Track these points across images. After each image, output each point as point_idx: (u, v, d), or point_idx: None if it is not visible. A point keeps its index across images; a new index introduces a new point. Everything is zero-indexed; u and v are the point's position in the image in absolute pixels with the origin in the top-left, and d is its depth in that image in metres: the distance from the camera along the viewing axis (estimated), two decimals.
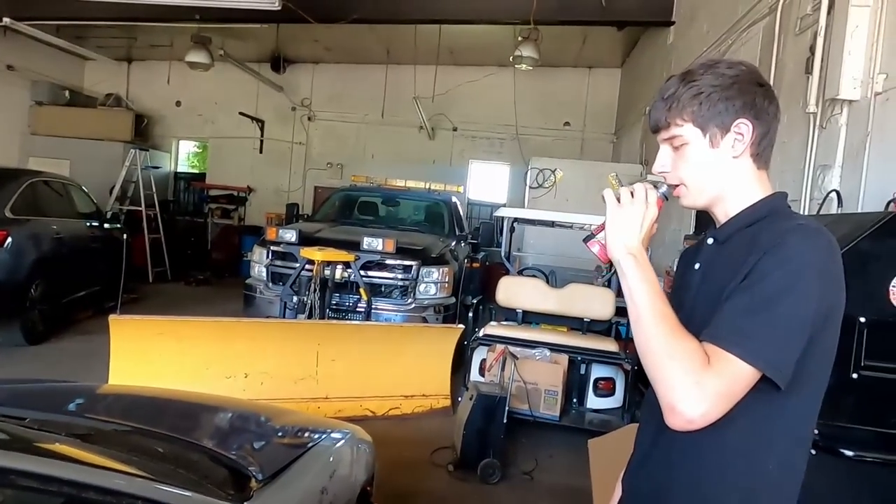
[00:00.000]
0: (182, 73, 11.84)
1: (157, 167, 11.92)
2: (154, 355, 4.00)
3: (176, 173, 13.73)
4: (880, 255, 1.62)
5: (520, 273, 5.65)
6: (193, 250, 11.64)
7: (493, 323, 4.69)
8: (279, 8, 6.74)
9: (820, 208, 3.43)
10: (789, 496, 1.04)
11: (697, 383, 0.92)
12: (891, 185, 3.06)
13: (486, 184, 12.91)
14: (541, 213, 5.55)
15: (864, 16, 3.33)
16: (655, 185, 1.11)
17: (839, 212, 3.34)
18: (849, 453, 1.62)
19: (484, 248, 7.31)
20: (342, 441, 2.22)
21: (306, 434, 2.24)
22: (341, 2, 8.11)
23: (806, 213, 3.66)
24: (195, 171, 14.31)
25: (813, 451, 1.68)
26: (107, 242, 7.62)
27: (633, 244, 1.05)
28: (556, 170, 8.95)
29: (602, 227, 1.11)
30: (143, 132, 12.45)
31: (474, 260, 7.01)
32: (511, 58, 8.67)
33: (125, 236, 7.52)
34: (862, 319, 1.62)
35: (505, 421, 3.61)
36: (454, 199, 7.75)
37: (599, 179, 8.72)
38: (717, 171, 1.09)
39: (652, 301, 1.00)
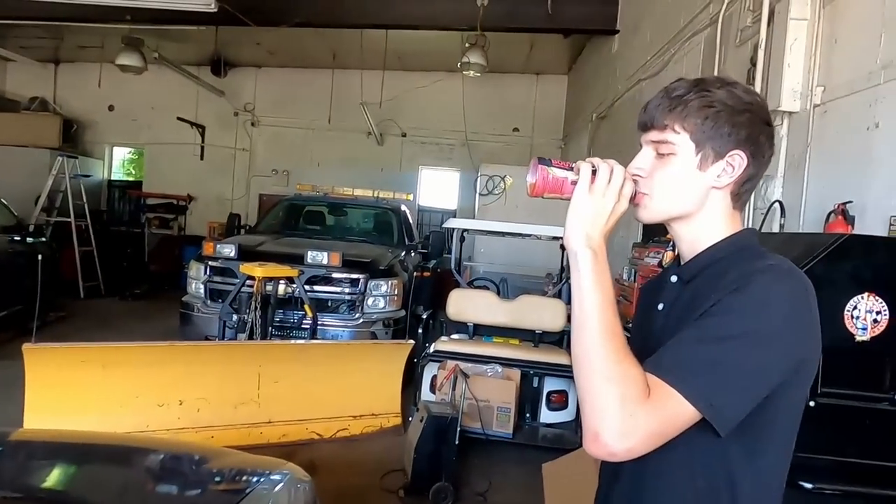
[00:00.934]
0: (114, 76, 11.22)
1: (88, 175, 11.25)
2: (76, 386, 3.67)
3: (110, 181, 13.04)
4: (834, 279, 1.58)
5: (471, 284, 5.55)
6: (129, 263, 11.03)
7: (443, 338, 4.56)
8: (215, 10, 6.43)
9: (764, 219, 3.46)
10: None
11: (632, 415, 0.82)
12: (830, 196, 3.11)
13: (436, 190, 12.81)
14: (491, 223, 5.47)
15: (801, 29, 3.38)
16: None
17: (782, 222, 3.38)
18: (808, 486, 1.57)
19: (435, 256, 7.20)
20: (281, 484, 2.04)
21: (243, 478, 2.06)
22: (282, 5, 7.84)
23: (750, 223, 3.69)
24: (131, 179, 13.63)
25: None
26: (30, 258, 7.09)
27: (595, 236, 0.92)
28: (505, 176, 8.93)
29: (566, 167, 0.97)
30: (73, 138, 11.76)
31: (425, 269, 6.88)
32: (459, 64, 8.60)
33: (42, 250, 6.97)
34: None
35: (457, 442, 3.48)
36: (403, 207, 7.60)
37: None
38: (693, 194, 0.99)
39: (602, 311, 0.88)
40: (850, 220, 2.93)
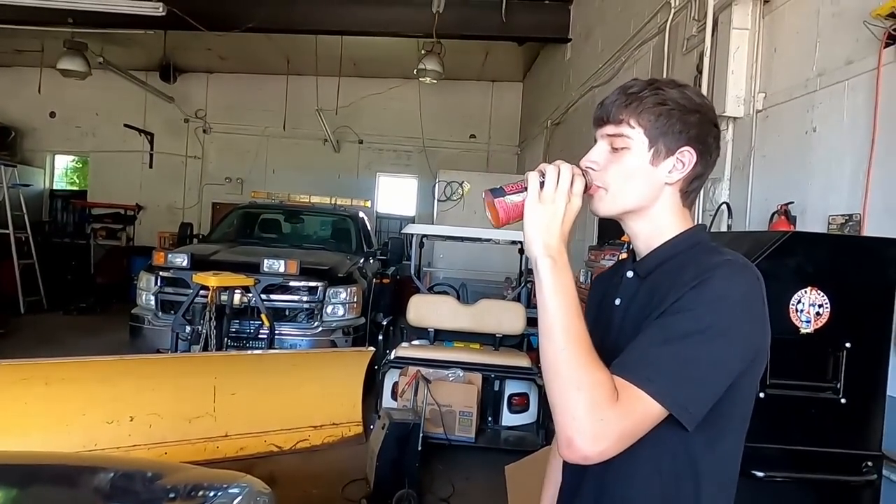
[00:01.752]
0: (56, 81, 10.77)
1: (28, 185, 10.74)
2: (17, 405, 3.48)
3: (52, 191, 12.48)
4: (779, 274, 1.65)
5: (430, 289, 5.54)
6: (74, 275, 10.56)
7: (404, 344, 4.54)
8: (164, 14, 6.25)
9: (712, 220, 3.58)
10: None
11: (601, 420, 0.83)
12: (773, 197, 3.25)
13: (394, 197, 12.77)
14: (449, 229, 5.48)
15: (743, 38, 3.53)
16: (584, 172, 1.00)
17: (730, 223, 3.50)
18: (759, 474, 1.62)
19: (394, 263, 7.16)
20: (239, 497, 1.98)
21: (195, 492, 1.99)
22: (234, 9, 7.70)
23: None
24: (75, 188, 13.08)
25: None
26: None
27: (553, 243, 0.92)
28: (463, 182, 9.00)
29: (520, 188, 0.96)
30: (10, 146, 11.24)
31: (384, 276, 6.84)
32: (415, 70, 8.62)
33: (14, 251, 6.62)
34: None
35: (420, 448, 3.46)
36: (361, 213, 7.54)
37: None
38: (646, 188, 1.01)
39: (566, 316, 0.88)
40: (791, 219, 3.07)
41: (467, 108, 12.06)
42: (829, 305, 1.63)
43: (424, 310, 4.55)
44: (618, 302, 1.06)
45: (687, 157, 1.00)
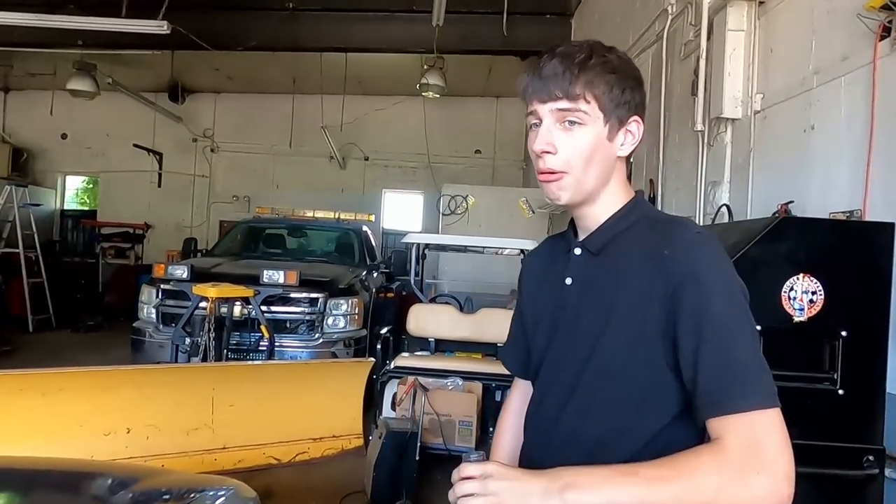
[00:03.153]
0: (67, 103, 11.00)
1: (39, 204, 10.87)
2: (14, 415, 3.47)
3: (62, 211, 12.64)
4: (770, 261, 1.60)
5: (433, 301, 5.50)
6: (83, 294, 10.63)
7: (404, 354, 4.48)
8: (168, 32, 6.36)
9: (713, 221, 3.53)
10: None
11: (759, 471, 0.78)
12: (773, 198, 3.19)
13: (400, 213, 12.79)
14: (449, 237, 5.46)
15: (739, 40, 3.52)
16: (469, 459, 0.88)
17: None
18: None
19: (398, 276, 7.13)
20: (223, 499, 1.95)
21: (183, 495, 1.96)
22: (239, 28, 7.83)
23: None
24: (85, 208, 13.24)
25: None
26: None
27: (550, 490, 0.80)
28: (467, 196, 8.99)
29: None
30: (23, 167, 11.42)
31: (388, 290, 6.80)
32: (418, 86, 8.69)
33: (24, 270, 6.68)
34: (758, 327, 1.58)
35: (417, 458, 3.39)
36: (365, 227, 7.54)
37: (510, 204, 8.86)
38: (604, 166, 0.96)
39: (635, 488, 0.79)
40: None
41: (472, 124, 12.11)
42: (822, 292, 1.57)
43: (424, 319, 4.51)
44: (569, 281, 1.00)
45: (635, 127, 0.97)
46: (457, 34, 7.79)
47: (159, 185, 12.30)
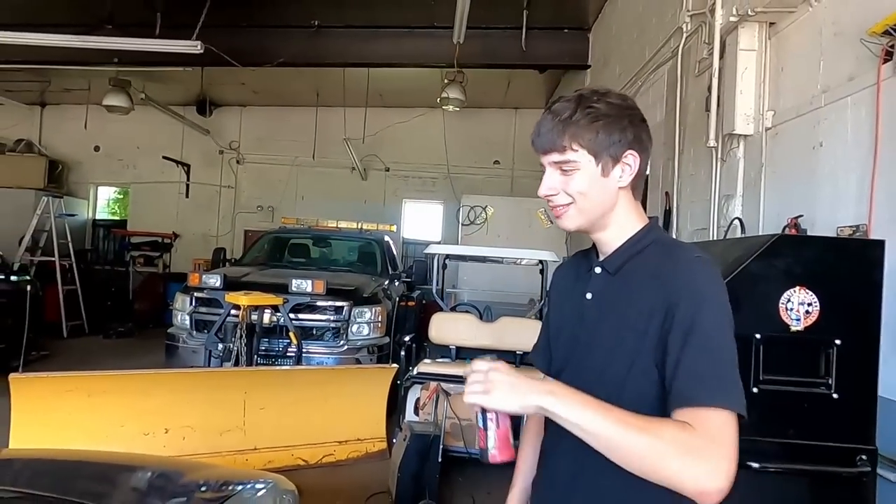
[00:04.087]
0: (100, 117, 11.43)
1: (73, 215, 11.29)
2: (62, 415, 3.70)
3: (94, 221, 13.07)
4: (769, 275, 1.74)
5: (453, 309, 5.66)
6: (114, 301, 10.99)
7: (426, 361, 4.65)
8: (202, 52, 6.65)
9: (725, 235, 3.65)
10: None
11: (708, 459, 0.90)
12: (784, 212, 3.31)
13: (420, 223, 13.00)
14: (469, 248, 5.62)
15: (751, 59, 3.64)
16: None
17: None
18: (755, 465, 1.69)
19: (419, 286, 7.31)
20: (263, 491, 2.12)
21: (226, 487, 2.13)
22: (266, 46, 8.12)
23: (715, 238, 3.89)
24: (116, 218, 13.67)
25: None
26: (14, 297, 7.11)
27: (534, 391, 0.97)
28: (486, 206, 9.17)
29: (483, 433, 1.08)
30: (58, 179, 11.85)
31: (410, 299, 6.98)
32: (438, 99, 8.90)
33: (29, 288, 7.00)
34: (758, 336, 1.72)
35: (440, 460, 3.55)
36: (387, 237, 7.75)
37: (528, 215, 9.02)
38: (604, 198, 1.11)
39: (604, 421, 0.93)
40: (802, 232, 3.13)
41: (491, 135, 12.29)
42: (818, 304, 1.70)
43: (446, 327, 4.67)
44: (589, 296, 1.15)
45: (631, 160, 1.11)
46: (476, 49, 7.98)
47: (187, 196, 12.67)
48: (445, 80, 8.74)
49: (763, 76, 3.61)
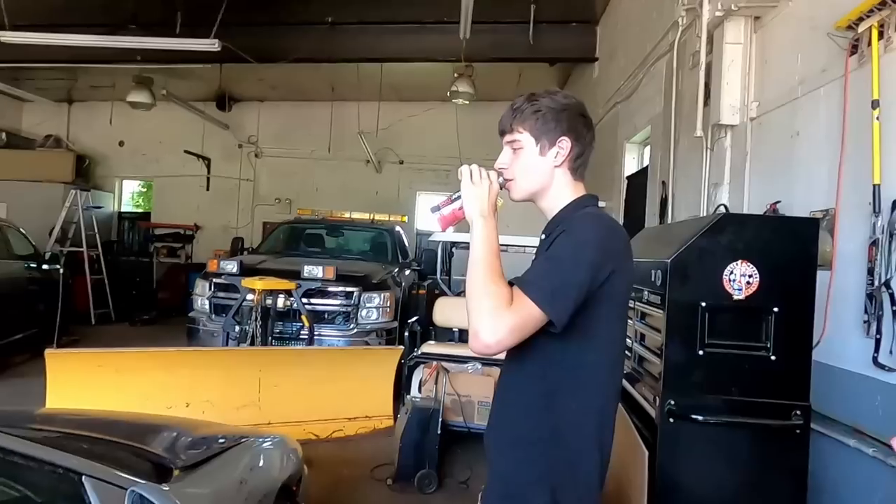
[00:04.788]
0: (124, 113, 11.85)
1: (100, 207, 11.75)
2: (92, 389, 4.02)
3: (120, 213, 13.54)
4: (714, 250, 1.93)
5: (459, 295, 5.88)
6: (139, 290, 11.42)
7: (430, 342, 4.89)
8: (219, 49, 6.95)
9: None
10: (591, 435, 1.29)
11: (499, 317, 1.17)
12: (766, 197, 3.48)
13: (433, 215, 13.21)
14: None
15: (737, 52, 3.80)
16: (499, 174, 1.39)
17: (751, 213, 3.72)
18: (699, 418, 1.90)
19: (429, 275, 7.54)
20: (266, 443, 2.39)
21: (231, 438, 2.40)
22: (282, 42, 8.40)
23: None
24: (140, 210, 14.14)
25: (671, 420, 1.97)
26: (45, 284, 7.52)
27: (483, 209, 1.31)
28: (497, 198, 9.35)
29: (449, 201, 1.39)
30: (85, 173, 12.31)
31: (420, 287, 7.22)
32: (448, 93, 9.09)
33: (62, 271, 7.40)
34: (703, 304, 1.92)
35: (439, 432, 3.79)
36: (398, 228, 8.00)
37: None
38: (541, 173, 1.38)
39: (486, 254, 1.25)
40: None
41: None
42: (758, 276, 1.89)
43: (449, 311, 4.91)
44: (534, 257, 1.41)
45: (565, 144, 1.37)
46: (485, 43, 8.16)
47: (207, 189, 13.07)
48: (455, 75, 8.94)
49: (748, 68, 3.76)
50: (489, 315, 1.17)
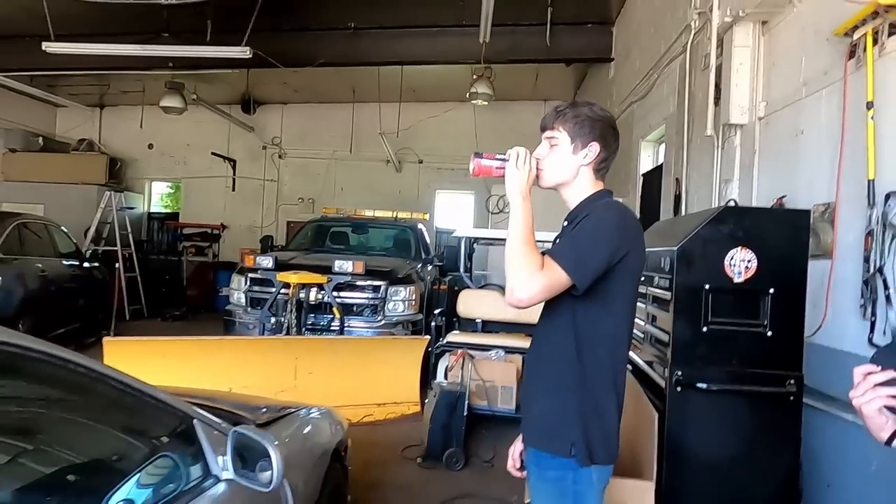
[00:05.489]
0: (154, 117, 12.31)
1: (132, 208, 12.22)
2: (143, 373, 4.29)
3: (149, 213, 14.02)
4: (716, 238, 2.18)
5: (481, 288, 6.16)
6: (168, 288, 11.87)
7: (455, 332, 5.17)
8: (250, 57, 7.29)
9: None
10: (609, 380, 1.56)
11: (531, 276, 1.44)
12: (774, 193, 3.70)
13: (452, 212, 13.51)
14: (494, 231, 6.11)
15: (745, 55, 4.02)
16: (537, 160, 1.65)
17: (750, 206, 3.94)
18: (703, 386, 2.14)
19: (451, 271, 7.81)
20: (315, 413, 2.70)
21: (292, 408, 2.71)
22: (307, 48, 8.73)
23: None
24: (168, 210, 14.61)
25: (678, 388, 2.22)
26: (86, 281, 7.94)
27: (523, 190, 1.57)
28: None
29: (492, 157, 1.64)
30: (116, 175, 12.78)
31: (441, 282, 7.50)
32: (468, 94, 9.36)
33: (99, 274, 7.81)
34: (707, 287, 2.16)
35: (465, 413, 4.07)
36: (420, 225, 8.29)
37: (556, 202, 9.41)
38: (569, 168, 1.65)
39: (524, 228, 1.51)
40: None
41: (520, 126, 12.59)
42: (756, 261, 2.13)
43: (472, 303, 5.19)
44: (558, 241, 1.68)
45: (594, 148, 1.63)
46: (503, 45, 8.40)
47: (233, 189, 13.49)
48: (474, 76, 9.19)
49: (756, 70, 3.97)
50: (526, 276, 1.44)
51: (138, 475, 1.40)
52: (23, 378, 1.37)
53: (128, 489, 1.37)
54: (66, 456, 1.45)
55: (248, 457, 1.57)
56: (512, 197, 1.57)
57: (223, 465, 1.54)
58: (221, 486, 1.55)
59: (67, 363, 1.34)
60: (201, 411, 1.69)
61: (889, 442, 0.99)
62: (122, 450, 1.56)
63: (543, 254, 1.50)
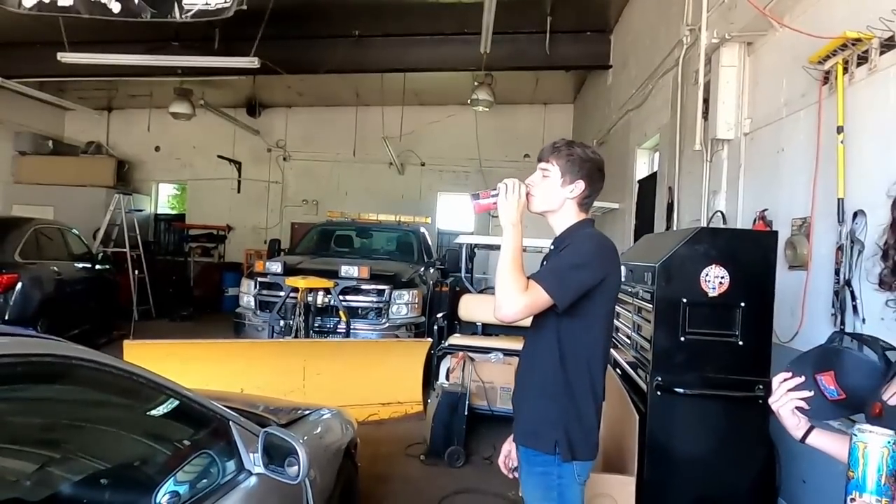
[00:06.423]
0: (161, 120, 12.55)
1: (141, 210, 12.46)
2: (163, 374, 4.59)
3: (156, 215, 14.26)
4: (693, 256, 2.40)
5: (481, 292, 6.39)
6: (175, 288, 12.08)
7: (456, 335, 5.40)
8: (259, 66, 7.51)
9: (709, 224, 4.26)
10: (588, 387, 1.79)
11: (516, 296, 1.66)
12: (757, 206, 3.92)
13: (454, 214, 13.73)
14: (494, 238, 6.33)
15: (732, 74, 4.23)
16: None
17: (724, 227, 4.18)
18: (680, 391, 2.37)
19: (452, 273, 8.04)
20: (331, 413, 2.94)
21: (305, 409, 2.94)
22: (313, 55, 8.95)
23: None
24: (175, 212, 14.85)
25: (658, 392, 2.45)
26: (97, 283, 8.17)
27: (513, 219, 1.76)
28: None
29: (488, 194, 1.83)
30: (124, 177, 13.02)
31: (443, 285, 7.73)
32: (469, 100, 9.58)
33: (110, 276, 8.03)
34: (684, 300, 2.39)
35: (466, 413, 4.30)
36: (422, 229, 8.51)
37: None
38: (557, 199, 1.86)
39: (513, 252, 1.71)
40: (768, 223, 3.74)
41: (521, 130, 12.89)
42: (728, 277, 2.36)
43: (473, 307, 5.41)
44: (546, 260, 1.91)
45: (580, 185, 1.85)
46: (504, 53, 8.61)
47: (238, 191, 13.73)
48: (475, 83, 9.41)
49: (742, 88, 4.19)
50: (511, 295, 1.66)
51: (183, 470, 1.64)
52: (89, 386, 1.60)
53: (175, 482, 1.61)
54: (125, 452, 1.69)
55: (273, 454, 1.80)
56: (504, 225, 1.79)
57: (255, 461, 1.78)
58: (253, 480, 1.79)
59: (131, 375, 1.58)
60: (235, 414, 1.92)
61: (803, 439, 1.21)
62: (170, 448, 1.79)
63: (529, 278, 1.73)
